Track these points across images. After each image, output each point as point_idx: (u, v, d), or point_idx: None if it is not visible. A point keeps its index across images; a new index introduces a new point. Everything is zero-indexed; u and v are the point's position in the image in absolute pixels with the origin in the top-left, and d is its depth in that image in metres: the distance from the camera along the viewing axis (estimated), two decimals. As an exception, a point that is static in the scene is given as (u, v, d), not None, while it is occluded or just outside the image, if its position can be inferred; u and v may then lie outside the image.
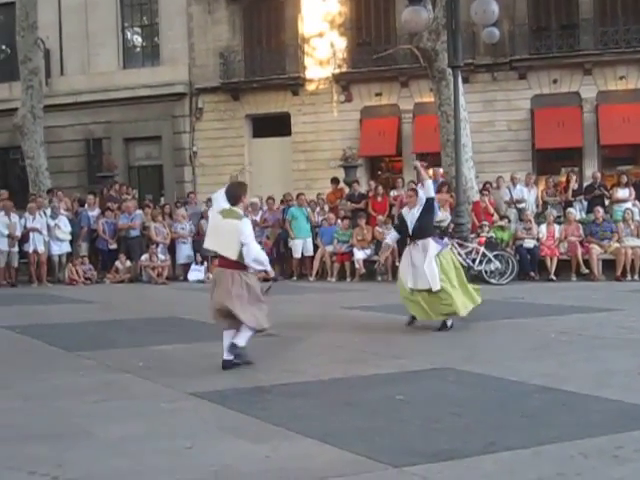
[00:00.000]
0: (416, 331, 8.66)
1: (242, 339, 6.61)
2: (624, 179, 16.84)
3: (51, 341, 8.17)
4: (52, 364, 6.89)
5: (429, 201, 8.75)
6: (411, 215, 8.81)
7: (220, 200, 6.89)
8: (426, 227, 8.78)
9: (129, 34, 27.56)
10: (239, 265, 6.59)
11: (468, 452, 4.06)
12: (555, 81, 23.10)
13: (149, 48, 27.24)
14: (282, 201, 17.88)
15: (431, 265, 8.47)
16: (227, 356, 6.60)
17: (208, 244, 6.96)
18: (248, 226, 6.71)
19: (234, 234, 6.58)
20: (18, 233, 16.41)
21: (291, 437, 4.43)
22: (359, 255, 16.04)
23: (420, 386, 5.76)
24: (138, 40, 27.76)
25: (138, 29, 27.65)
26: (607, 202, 16.68)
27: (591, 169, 20.98)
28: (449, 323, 8.66)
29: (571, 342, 7.63)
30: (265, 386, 5.76)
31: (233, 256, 6.57)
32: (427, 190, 8.81)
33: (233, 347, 6.59)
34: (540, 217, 16.40)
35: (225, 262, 6.70)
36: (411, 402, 5.20)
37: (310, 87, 25.06)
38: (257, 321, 6.61)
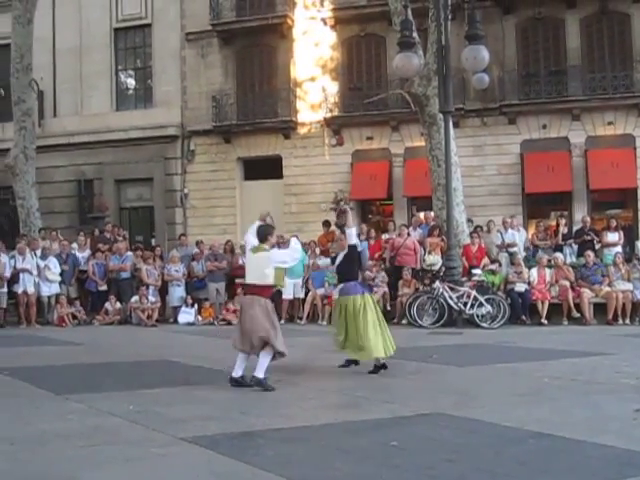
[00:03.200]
0: (407, 375, 8.60)
1: (262, 369, 7.53)
2: (613, 223, 16.97)
3: (39, 384, 8.05)
4: (40, 407, 6.77)
5: (350, 248, 8.94)
6: (338, 258, 9.10)
7: (250, 239, 8.02)
8: (347, 271, 8.93)
9: (122, 76, 27.83)
10: (269, 290, 7.85)
11: (463, 500, 4.00)
12: (544, 126, 23.39)
13: (142, 90, 27.49)
14: (278, 243, 17.70)
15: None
16: (236, 374, 7.61)
17: (248, 279, 7.98)
18: (276, 253, 8.04)
19: (265, 262, 7.77)
20: (7, 274, 16.32)
21: (283, 484, 4.36)
22: (350, 298, 15.95)
23: (413, 432, 5.69)
24: (131, 83, 28.01)
25: (132, 72, 27.92)
26: (597, 246, 16.75)
27: (581, 213, 21.17)
28: (380, 363, 8.73)
29: (565, 387, 7.58)
30: (256, 431, 5.67)
31: (269, 281, 7.78)
32: (348, 237, 8.98)
33: (242, 378, 7.63)
34: (531, 261, 16.45)
35: (256, 289, 7.77)
36: (404, 448, 5.13)
37: (302, 131, 25.27)
38: (284, 347, 7.65)
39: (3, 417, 6.40)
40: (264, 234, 7.97)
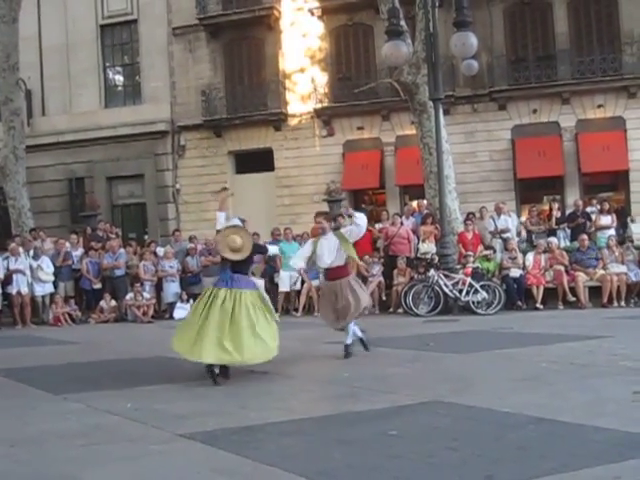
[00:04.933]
0: (404, 364, 8.60)
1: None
2: (606, 206, 16.98)
3: (37, 384, 8.03)
4: (38, 408, 6.75)
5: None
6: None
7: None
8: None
9: (110, 73, 27.72)
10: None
11: (465, 487, 4.00)
12: (535, 111, 23.39)
13: (131, 87, 27.38)
14: (272, 234, 17.62)
15: None
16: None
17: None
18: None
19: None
20: (1, 275, 16.26)
21: (285, 477, 4.34)
22: (345, 289, 15.95)
23: (413, 420, 5.69)
24: (119, 79, 27.91)
25: (119, 68, 27.82)
26: (591, 228, 16.77)
27: (573, 197, 21.20)
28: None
29: (562, 371, 7.59)
30: (256, 425, 5.66)
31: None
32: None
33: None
34: (525, 246, 16.47)
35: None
36: (404, 437, 5.13)
37: (292, 122, 25.23)
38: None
39: (2, 418, 6.38)
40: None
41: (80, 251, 18.00)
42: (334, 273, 9.07)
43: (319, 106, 24.87)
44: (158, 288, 17.39)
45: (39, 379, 8.43)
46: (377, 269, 16.13)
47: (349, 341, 9.07)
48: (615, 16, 23.03)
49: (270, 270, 16.95)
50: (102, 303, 17.04)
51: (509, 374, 7.58)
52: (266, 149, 25.64)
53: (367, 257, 16.35)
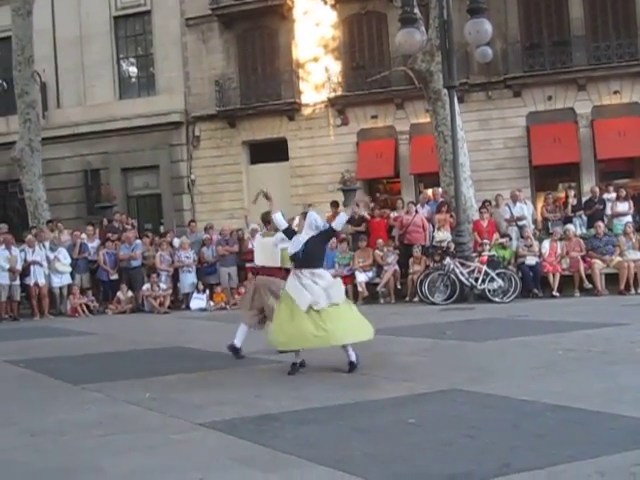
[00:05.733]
0: (421, 352, 8.61)
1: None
2: (623, 192, 16.87)
3: (56, 374, 8.11)
4: (58, 398, 6.82)
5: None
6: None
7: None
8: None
9: (124, 65, 27.74)
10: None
11: (483, 474, 4.01)
12: (550, 98, 23.23)
13: (145, 78, 27.39)
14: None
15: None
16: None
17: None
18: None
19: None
20: (19, 267, 16.38)
21: (303, 465, 4.38)
22: (361, 278, 16.01)
23: (430, 409, 5.70)
24: (133, 71, 27.92)
25: (133, 60, 27.82)
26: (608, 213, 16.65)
27: (589, 184, 21.04)
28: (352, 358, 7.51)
29: (579, 359, 7.58)
30: (273, 414, 5.69)
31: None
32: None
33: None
34: (541, 234, 16.40)
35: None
36: (422, 425, 5.15)
37: (306, 112, 25.18)
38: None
39: (23, 408, 6.46)
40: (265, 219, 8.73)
41: (97, 242, 18.10)
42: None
43: (333, 95, 24.80)
44: (175, 279, 17.47)
45: (58, 369, 8.52)
46: (392, 258, 16.13)
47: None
48: (631, 1, 22.77)
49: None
50: (119, 294, 17.14)
51: (526, 362, 7.58)
52: (280, 139, 25.62)
53: (380, 241, 16.36)
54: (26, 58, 20.65)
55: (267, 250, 8.62)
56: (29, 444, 5.18)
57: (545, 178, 23.60)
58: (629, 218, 16.26)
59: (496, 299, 14.49)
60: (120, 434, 5.33)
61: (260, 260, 8.94)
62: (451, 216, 16.24)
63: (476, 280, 14.69)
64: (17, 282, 16.46)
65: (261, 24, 25.67)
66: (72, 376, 7.94)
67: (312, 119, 25.18)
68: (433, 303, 14.63)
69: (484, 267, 14.69)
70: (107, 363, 9.11)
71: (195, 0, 26.06)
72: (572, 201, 17.22)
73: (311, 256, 7.58)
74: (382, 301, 15.91)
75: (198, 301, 16.88)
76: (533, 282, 15.20)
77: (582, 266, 15.04)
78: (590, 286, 14.98)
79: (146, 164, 26.52)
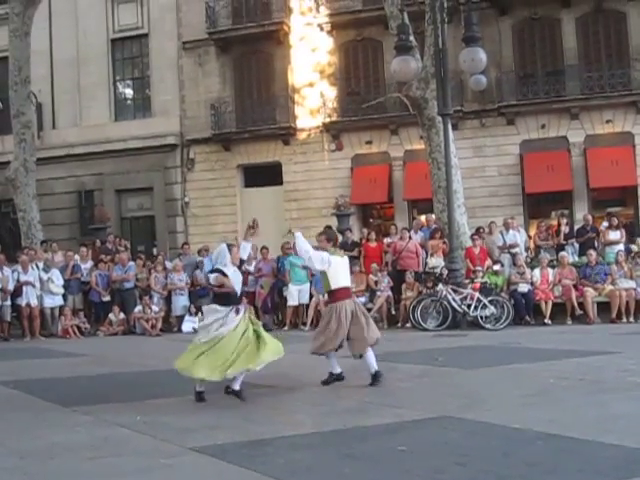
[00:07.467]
0: (413, 379, 8.59)
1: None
2: (615, 221, 16.95)
3: (46, 396, 8.05)
4: (47, 420, 6.77)
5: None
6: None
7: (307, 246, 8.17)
8: None
9: (120, 87, 27.89)
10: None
11: (474, 503, 4.00)
12: (543, 126, 23.42)
13: (140, 100, 27.53)
14: (282, 249, 17.53)
15: None
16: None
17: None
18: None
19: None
20: (11, 287, 16.31)
21: (294, 491, 4.36)
22: (354, 303, 15.95)
23: (422, 436, 5.69)
24: (129, 93, 28.07)
25: (129, 82, 27.98)
26: (599, 243, 16.74)
27: (582, 212, 21.15)
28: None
29: (571, 387, 7.58)
30: (265, 439, 5.67)
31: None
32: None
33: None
34: (533, 261, 16.44)
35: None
36: (414, 452, 5.13)
37: (301, 136, 25.31)
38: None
39: (11, 430, 6.40)
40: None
41: (89, 264, 18.05)
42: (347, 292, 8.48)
43: (328, 120, 24.95)
44: (167, 301, 17.42)
45: (48, 391, 8.46)
46: (385, 283, 16.13)
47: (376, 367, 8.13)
48: (624, 31, 23.07)
49: (279, 284, 16.96)
50: (111, 316, 17.07)
51: (518, 390, 7.57)
52: (275, 163, 25.72)
53: (375, 266, 16.38)
54: (22, 79, 20.72)
55: (346, 270, 8.53)
56: (18, 466, 5.13)
57: (538, 206, 23.73)
58: (621, 246, 16.33)
59: (488, 326, 14.49)
60: (110, 457, 5.29)
61: (344, 281, 8.43)
62: (444, 242, 16.29)
63: (468, 307, 14.70)
64: (8, 302, 16.37)
65: (257, 49, 25.86)
66: (62, 398, 7.88)
67: (307, 144, 25.30)
68: (425, 329, 14.62)
69: (477, 294, 14.71)
70: (98, 385, 9.05)
71: (192, 24, 26.25)
72: (564, 229, 17.29)
73: None
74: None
75: (190, 323, 16.80)
76: (525, 309, 15.22)
77: (574, 294, 15.07)
78: (582, 313, 15.00)
79: (140, 186, 26.57)
